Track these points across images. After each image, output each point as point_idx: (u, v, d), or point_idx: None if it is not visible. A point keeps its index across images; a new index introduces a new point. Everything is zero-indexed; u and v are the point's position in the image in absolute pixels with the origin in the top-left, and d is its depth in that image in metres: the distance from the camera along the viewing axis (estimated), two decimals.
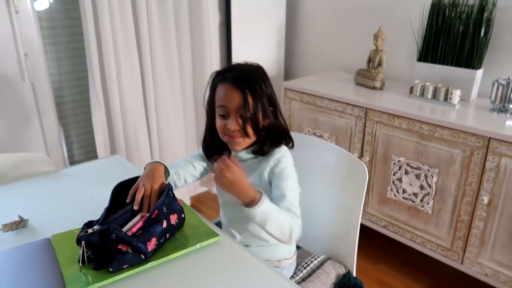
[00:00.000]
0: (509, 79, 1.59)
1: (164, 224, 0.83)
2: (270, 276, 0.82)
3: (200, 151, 1.13)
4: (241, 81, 0.95)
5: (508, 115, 1.59)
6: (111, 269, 0.76)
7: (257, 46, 2.47)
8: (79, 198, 1.11)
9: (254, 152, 1.02)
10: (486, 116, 1.59)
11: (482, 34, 1.70)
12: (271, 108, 1.00)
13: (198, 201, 2.47)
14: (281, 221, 0.88)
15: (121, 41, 1.83)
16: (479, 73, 1.75)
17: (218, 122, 0.99)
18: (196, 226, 0.93)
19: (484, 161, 1.46)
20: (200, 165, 1.12)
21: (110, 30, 1.78)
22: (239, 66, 1.00)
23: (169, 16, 1.97)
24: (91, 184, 1.19)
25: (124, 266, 0.78)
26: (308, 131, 2.06)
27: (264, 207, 0.85)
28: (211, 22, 2.18)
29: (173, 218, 0.86)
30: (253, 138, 0.99)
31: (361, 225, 1.93)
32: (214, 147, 1.06)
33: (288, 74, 2.73)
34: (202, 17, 2.08)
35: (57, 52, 1.88)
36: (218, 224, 1.21)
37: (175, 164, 1.11)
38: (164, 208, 0.85)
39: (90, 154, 2.07)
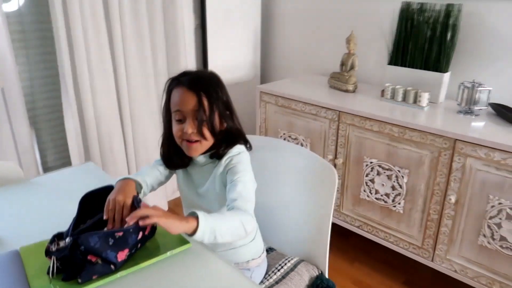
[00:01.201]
0: (474, 82, 1.66)
1: (140, 235, 0.84)
2: (241, 282, 0.84)
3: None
4: (196, 84, 0.97)
5: (473, 117, 1.65)
6: (80, 280, 0.76)
7: (233, 50, 2.48)
8: (50, 208, 1.10)
9: (210, 156, 1.03)
10: (453, 118, 1.65)
11: (448, 38, 1.76)
12: (228, 112, 1.02)
13: (176, 205, 2.47)
14: (230, 226, 0.86)
15: (94, 45, 1.81)
16: (447, 76, 1.81)
17: (175, 128, 0.99)
18: (167, 234, 0.93)
19: (451, 162, 1.52)
20: (165, 170, 1.11)
21: (82, 33, 1.76)
22: (193, 71, 1.02)
23: (142, 19, 1.96)
24: (62, 193, 1.18)
25: (94, 277, 0.78)
26: (284, 134, 2.09)
27: (206, 225, 0.82)
28: (186, 25, 2.18)
29: (148, 228, 0.87)
30: (210, 141, 1.00)
31: (337, 225, 1.97)
32: (171, 154, 1.06)
33: (264, 77, 2.75)
34: (177, 20, 2.08)
35: (28, 56, 1.84)
36: None
37: (140, 172, 1.10)
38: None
39: (65, 160, 2.04)
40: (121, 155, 2.02)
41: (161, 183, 1.13)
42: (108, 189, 0.93)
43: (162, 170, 1.11)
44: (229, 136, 1.02)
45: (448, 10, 1.74)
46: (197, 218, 0.81)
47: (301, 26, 2.46)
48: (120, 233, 0.80)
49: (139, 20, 1.96)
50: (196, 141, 0.98)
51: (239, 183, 0.96)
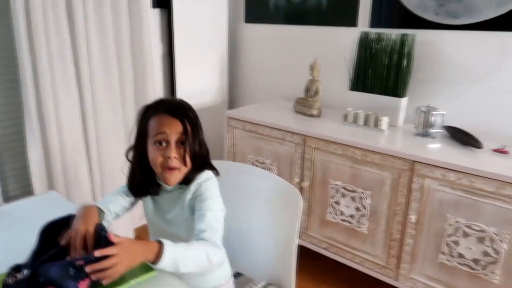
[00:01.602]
0: (429, 106, 1.76)
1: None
2: None
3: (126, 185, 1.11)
4: (179, 111, 0.99)
5: (430, 139, 1.74)
6: None
7: (200, 76, 2.52)
8: (9, 240, 1.07)
9: (179, 182, 1.03)
10: (411, 141, 1.74)
11: (404, 65, 1.87)
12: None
13: (143, 232, 2.42)
14: (194, 258, 0.88)
15: (59, 73, 1.80)
16: (404, 101, 1.91)
17: (155, 153, 0.98)
18: None
19: (410, 183, 1.59)
20: (129, 197, 1.10)
21: (47, 61, 1.74)
22: (168, 99, 1.04)
23: (110, 47, 1.98)
24: (23, 224, 1.15)
25: None
26: (252, 158, 2.12)
27: (170, 255, 0.83)
28: (154, 52, 2.21)
29: None
30: (188, 168, 1.01)
31: (305, 247, 2.00)
32: (141, 182, 1.05)
33: (231, 102, 2.80)
34: (144, 48, 2.10)
35: None
36: None
37: (104, 199, 1.09)
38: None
39: (26, 189, 1.98)
40: (86, 184, 1.98)
41: (126, 210, 1.12)
42: (70, 218, 0.92)
43: (126, 197, 1.10)
44: (198, 162, 1.03)
45: (403, 40, 1.86)
46: (161, 244, 0.83)
47: (266, 53, 2.54)
48: (81, 262, 0.79)
49: (107, 48, 1.97)
50: (176, 168, 0.98)
51: (208, 212, 0.96)
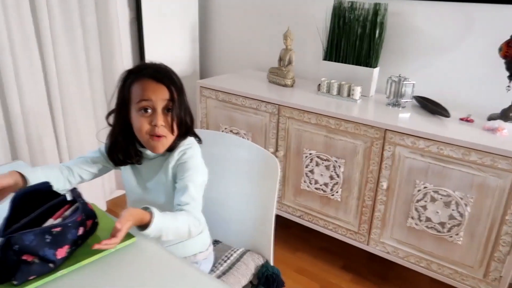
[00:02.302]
0: (400, 76, 1.79)
1: (81, 231, 0.80)
2: (189, 273, 0.84)
3: (102, 149, 1.07)
4: (164, 76, 0.94)
5: (400, 108, 1.78)
6: (15, 282, 0.71)
7: (170, 44, 2.44)
8: None
9: None
10: (383, 110, 1.77)
11: (377, 35, 1.88)
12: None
13: (115, 205, 2.38)
14: (177, 227, 0.89)
15: (18, 36, 1.68)
16: (376, 71, 1.93)
17: (140, 121, 0.94)
18: (110, 229, 0.90)
19: (382, 151, 1.63)
20: (100, 164, 1.07)
21: (5, 25, 1.62)
22: (151, 64, 0.99)
23: (73, 11, 1.86)
24: None
25: (31, 278, 0.73)
26: (225, 128, 2.09)
27: (157, 224, 0.84)
28: (120, 17, 2.10)
29: (89, 224, 0.83)
30: (174, 136, 0.98)
31: (279, 216, 2.03)
32: (121, 150, 1.01)
33: (203, 72, 2.74)
34: (109, 12, 1.99)
35: None
36: None
37: (70, 161, 1.07)
38: (84, 215, 0.81)
39: None
40: (53, 154, 1.90)
41: (92, 175, 1.08)
42: (43, 186, 0.88)
43: (95, 162, 1.06)
44: (183, 129, 1.01)
45: (376, 9, 1.86)
46: (151, 213, 0.84)
47: (239, 21, 2.48)
48: (58, 229, 0.76)
49: (69, 12, 1.85)
50: (163, 136, 0.95)
51: (190, 183, 0.95)
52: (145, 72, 0.95)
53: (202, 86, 2.11)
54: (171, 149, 1.00)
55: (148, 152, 1.01)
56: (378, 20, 1.85)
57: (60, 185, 1.00)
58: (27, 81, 1.75)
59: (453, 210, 1.52)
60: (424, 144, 1.52)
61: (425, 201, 1.57)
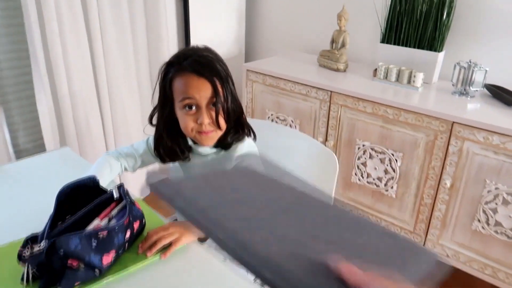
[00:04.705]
0: (470, 62, 1.60)
1: (128, 234, 0.74)
2: (238, 279, 0.76)
3: (150, 142, 1.03)
4: (205, 68, 0.86)
5: (469, 98, 1.60)
6: None
7: (216, 23, 2.34)
8: (22, 202, 0.98)
9: (215, 146, 0.94)
10: (448, 99, 1.60)
11: (444, 16, 1.68)
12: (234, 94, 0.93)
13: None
14: None
15: (66, 17, 1.64)
16: (441, 55, 1.74)
17: (185, 119, 0.88)
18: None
19: (447, 145, 1.47)
20: (144, 157, 1.05)
21: (54, 4, 1.59)
22: (191, 51, 0.90)
23: None
24: (37, 184, 1.06)
25: (76, 284, 0.68)
26: (272, 114, 1.99)
27: None
28: None
29: (136, 226, 0.77)
30: (224, 130, 0.91)
31: None
32: (171, 147, 0.95)
33: (248, 54, 2.63)
34: None
35: None
36: None
37: (117, 150, 1.05)
38: (131, 216, 0.75)
39: (37, 142, 1.89)
40: (99, 136, 1.88)
41: (133, 170, 1.06)
42: (90, 181, 0.83)
43: (139, 159, 1.04)
44: (233, 120, 0.93)
45: None
46: None
47: (288, 0, 2.34)
48: (105, 233, 0.70)
49: None
50: (210, 131, 0.89)
51: None
52: (185, 65, 0.86)
53: (248, 70, 2.01)
54: (226, 146, 0.93)
55: (200, 149, 0.95)
56: None
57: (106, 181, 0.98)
58: (75, 61, 1.71)
59: None
60: (499, 140, 1.35)
61: (496, 204, 1.41)
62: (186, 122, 0.88)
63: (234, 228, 0.38)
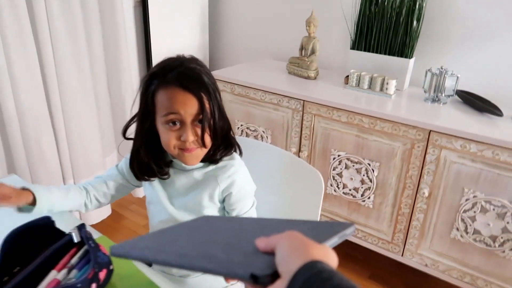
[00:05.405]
0: (442, 68, 1.59)
1: (93, 287, 0.62)
2: None
3: (121, 165, 0.94)
4: (192, 82, 0.77)
5: (441, 105, 1.59)
6: None
7: (178, 30, 2.22)
8: None
9: (203, 160, 0.86)
10: (422, 107, 1.58)
11: (414, 22, 1.67)
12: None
13: (120, 206, 2.20)
14: None
15: (10, 25, 1.46)
16: (411, 62, 1.73)
17: (167, 135, 0.80)
18: (129, 276, 0.73)
19: (424, 154, 1.44)
20: (116, 182, 0.93)
21: None
22: (177, 61, 0.80)
23: None
24: None
25: None
26: (242, 125, 1.90)
27: None
28: (124, 2, 1.88)
29: (102, 276, 0.65)
30: (208, 148, 0.83)
31: None
32: (148, 163, 0.85)
33: (213, 62, 2.52)
34: None
35: None
36: None
37: (85, 183, 0.93)
38: (96, 266, 0.63)
39: None
40: (53, 158, 1.71)
41: (109, 197, 0.94)
42: (43, 222, 0.70)
43: (111, 182, 0.93)
44: (219, 136, 0.85)
45: None
46: None
47: (254, 5, 2.26)
48: None
49: None
50: (194, 149, 0.81)
51: (246, 215, 0.90)
52: (170, 78, 0.77)
53: (215, 79, 1.91)
54: (212, 161, 0.86)
55: (184, 164, 0.86)
56: (417, 4, 1.64)
57: (75, 207, 0.88)
58: (22, 75, 1.53)
59: (507, 223, 1.34)
60: (476, 148, 1.33)
61: (474, 212, 1.40)
62: (169, 139, 0.80)
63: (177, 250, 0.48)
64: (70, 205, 0.87)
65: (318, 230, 0.46)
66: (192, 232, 0.55)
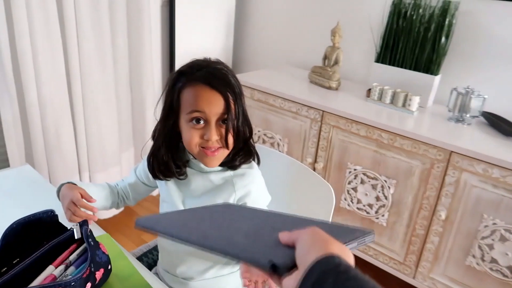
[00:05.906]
0: (468, 88, 1.53)
1: (88, 287, 0.61)
2: None
3: (139, 169, 0.97)
4: (220, 81, 0.78)
5: (465, 126, 1.54)
6: None
7: (203, 32, 2.23)
8: None
9: (221, 164, 0.85)
10: (445, 126, 1.53)
11: (443, 39, 1.62)
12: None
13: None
14: None
15: (38, 17, 1.50)
16: (437, 79, 1.68)
17: (189, 132, 0.80)
18: (126, 278, 0.72)
19: (444, 175, 1.39)
20: (137, 185, 0.98)
21: (24, 3, 1.44)
22: (204, 62, 0.81)
23: None
24: None
25: None
26: (259, 131, 1.89)
27: None
28: (151, 1, 1.90)
29: (98, 276, 0.64)
30: (231, 149, 0.83)
31: None
32: (166, 161, 0.85)
33: (235, 66, 2.52)
34: None
35: None
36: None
37: (112, 184, 0.98)
38: (92, 266, 0.62)
39: (0, 157, 1.72)
40: (71, 149, 1.73)
41: (135, 200, 1.00)
42: (46, 216, 0.69)
43: (140, 189, 0.99)
44: (241, 140, 0.84)
45: (445, 8, 1.60)
46: None
47: (281, 10, 2.25)
48: None
49: None
50: (216, 149, 0.80)
51: None
52: (198, 76, 0.78)
53: None
54: (232, 167, 0.86)
55: (202, 165, 0.85)
56: (447, 21, 1.59)
57: (109, 206, 0.95)
58: (46, 66, 1.57)
59: None
60: (499, 174, 1.27)
61: (493, 240, 1.33)
62: (191, 137, 0.79)
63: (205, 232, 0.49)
64: (107, 204, 0.94)
65: (338, 232, 0.47)
66: (214, 216, 0.57)
